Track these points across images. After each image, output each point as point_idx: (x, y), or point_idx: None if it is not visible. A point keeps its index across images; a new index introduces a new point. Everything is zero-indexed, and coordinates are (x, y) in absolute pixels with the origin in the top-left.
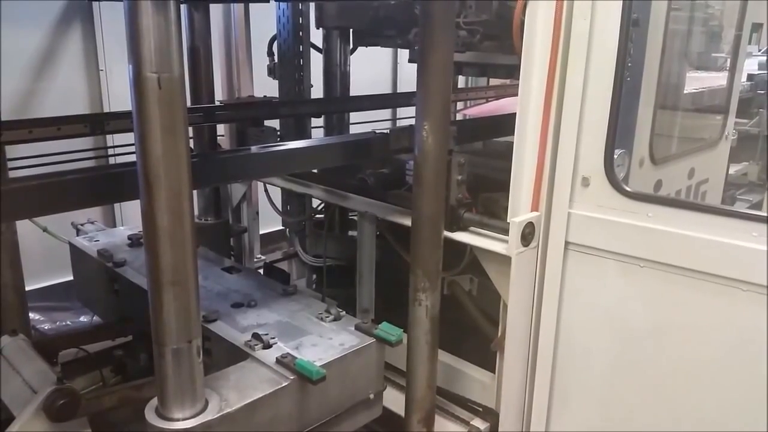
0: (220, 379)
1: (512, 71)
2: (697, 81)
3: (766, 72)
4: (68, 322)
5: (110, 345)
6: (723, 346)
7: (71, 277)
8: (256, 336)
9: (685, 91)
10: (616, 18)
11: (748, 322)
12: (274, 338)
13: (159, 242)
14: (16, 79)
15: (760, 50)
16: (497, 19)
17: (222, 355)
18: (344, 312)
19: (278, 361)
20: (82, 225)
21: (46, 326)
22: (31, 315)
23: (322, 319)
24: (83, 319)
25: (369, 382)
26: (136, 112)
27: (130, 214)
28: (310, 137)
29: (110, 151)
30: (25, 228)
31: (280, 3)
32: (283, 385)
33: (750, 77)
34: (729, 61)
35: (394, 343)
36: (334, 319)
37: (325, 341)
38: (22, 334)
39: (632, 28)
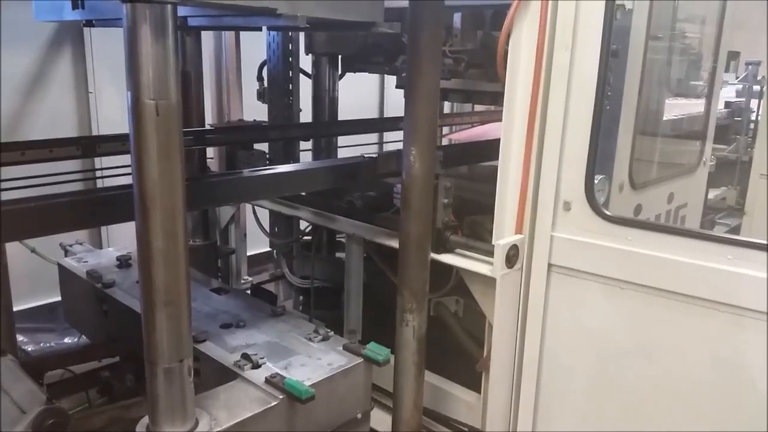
0: (210, 399)
1: (496, 98)
2: (676, 108)
3: (743, 99)
4: (52, 344)
5: (96, 366)
6: (701, 365)
7: (55, 299)
8: (245, 356)
9: (664, 118)
10: (596, 49)
11: (725, 342)
12: (263, 358)
13: (153, 263)
14: (5, 101)
15: (737, 78)
16: (482, 48)
17: (211, 376)
18: (332, 332)
19: (267, 380)
20: (70, 246)
21: (30, 347)
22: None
23: (310, 339)
24: (67, 340)
25: (357, 401)
26: (134, 137)
27: (116, 235)
28: (298, 160)
29: (98, 174)
30: (10, 249)
31: (271, 30)
32: (273, 404)
33: (728, 104)
34: (706, 88)
35: (381, 362)
36: (323, 340)
37: (314, 361)
38: (10, 354)
39: (611, 58)
